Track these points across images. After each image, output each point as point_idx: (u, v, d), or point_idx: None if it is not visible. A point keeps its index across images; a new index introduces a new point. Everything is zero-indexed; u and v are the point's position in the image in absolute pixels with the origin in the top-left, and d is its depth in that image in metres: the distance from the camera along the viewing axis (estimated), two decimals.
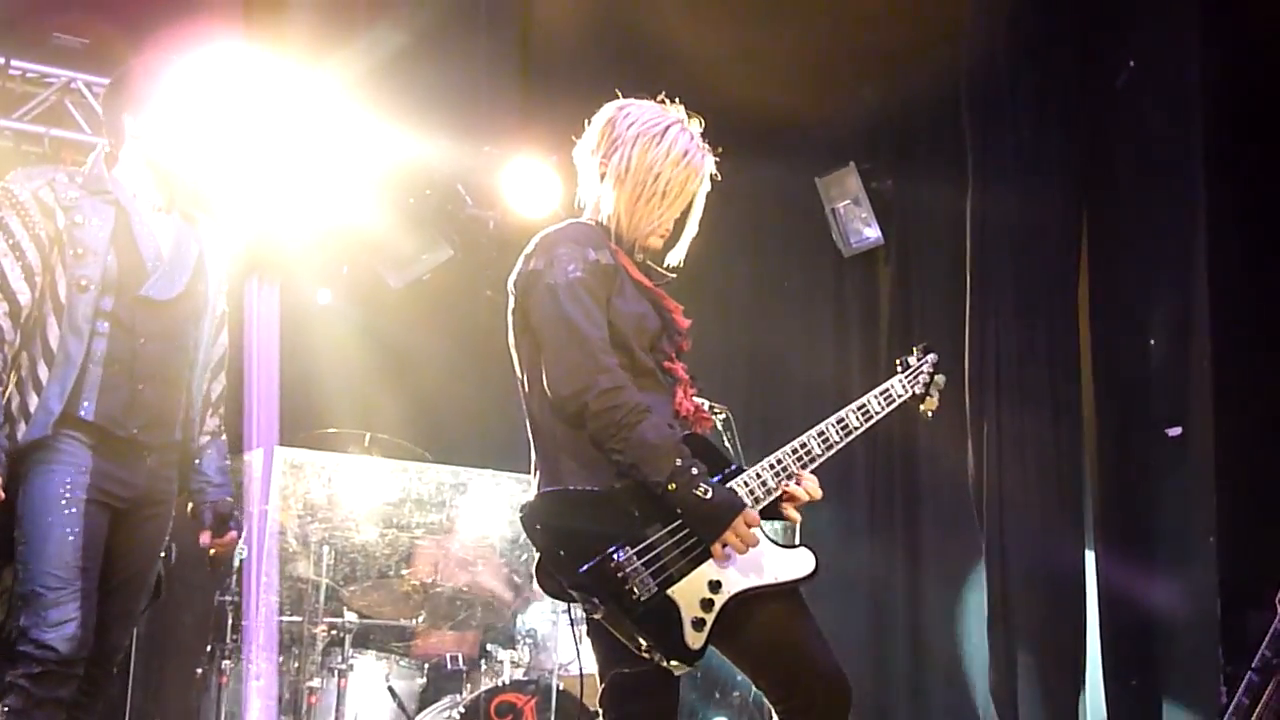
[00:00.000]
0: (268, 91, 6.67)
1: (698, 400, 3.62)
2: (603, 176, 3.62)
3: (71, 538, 3.87)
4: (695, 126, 3.69)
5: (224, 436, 4.47)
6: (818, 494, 3.63)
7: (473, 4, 7.77)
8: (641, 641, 3.23)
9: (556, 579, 3.28)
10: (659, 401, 3.48)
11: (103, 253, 4.01)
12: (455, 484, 7.69)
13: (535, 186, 7.93)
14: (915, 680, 7.89)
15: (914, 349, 4.04)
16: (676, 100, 3.76)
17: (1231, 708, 4.94)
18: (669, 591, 3.25)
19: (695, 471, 3.29)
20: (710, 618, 3.27)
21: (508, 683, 6.54)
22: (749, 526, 3.33)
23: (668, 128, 3.61)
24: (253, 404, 6.78)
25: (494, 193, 8.15)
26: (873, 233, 8.35)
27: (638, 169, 3.56)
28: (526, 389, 3.52)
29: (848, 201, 8.35)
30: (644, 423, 3.27)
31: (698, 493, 3.27)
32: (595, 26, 7.60)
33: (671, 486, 3.26)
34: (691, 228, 3.75)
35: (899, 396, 3.88)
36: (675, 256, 3.78)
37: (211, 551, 4.34)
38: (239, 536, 4.40)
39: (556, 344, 3.39)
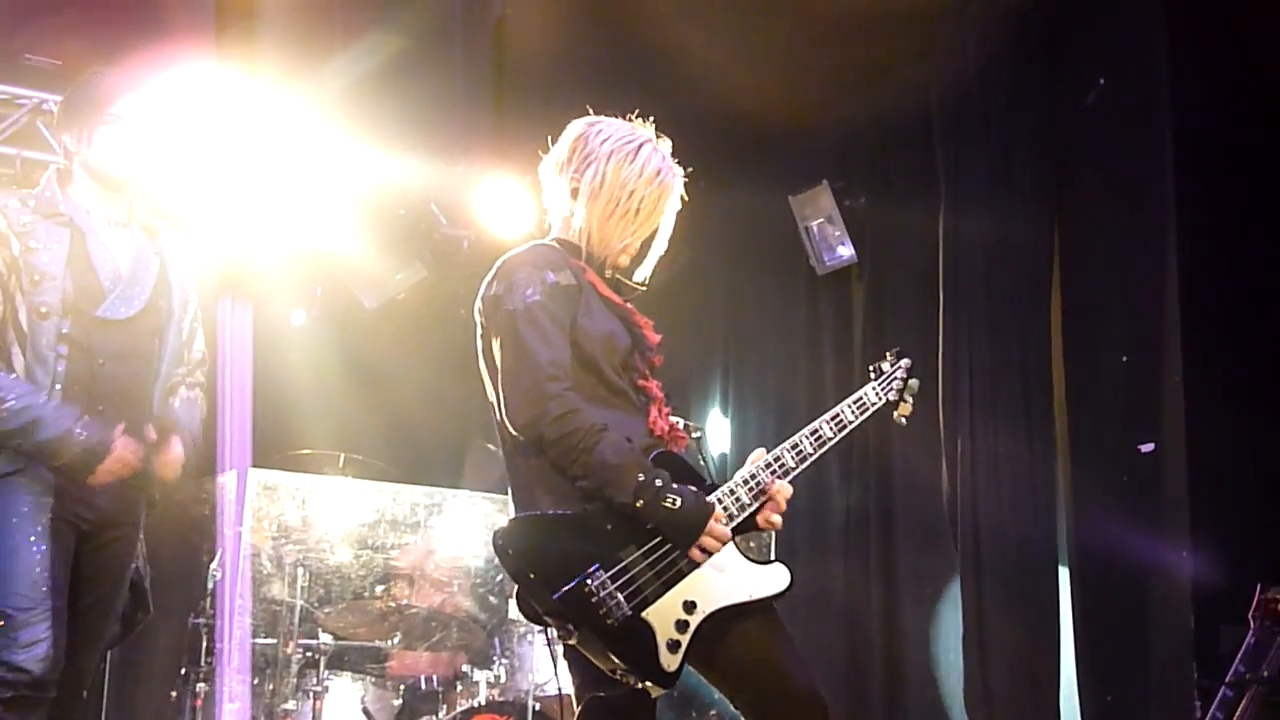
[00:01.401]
0: (241, 111, 6.67)
1: (673, 420, 3.62)
2: (574, 193, 3.62)
3: (39, 556, 3.83)
4: (665, 145, 3.70)
5: (201, 402, 4.41)
6: (786, 495, 3.60)
7: (446, 24, 7.77)
8: (617, 665, 3.21)
9: (531, 604, 3.27)
10: (630, 422, 3.48)
11: (60, 277, 3.97)
12: (430, 505, 7.68)
13: (509, 206, 7.92)
14: (890, 695, 7.89)
15: (887, 355, 4.04)
16: (649, 119, 3.77)
17: None
18: (643, 614, 3.24)
19: (660, 483, 3.29)
20: (685, 639, 3.26)
21: (484, 703, 6.52)
22: (718, 524, 3.36)
23: (640, 145, 3.62)
24: (225, 426, 6.75)
25: (468, 212, 8.14)
26: (846, 251, 8.36)
27: (612, 185, 3.56)
28: (496, 415, 3.52)
29: (821, 220, 8.37)
30: (601, 444, 3.27)
31: (667, 504, 3.27)
32: (569, 46, 7.61)
33: (639, 503, 3.26)
34: (660, 246, 3.75)
35: (873, 404, 3.87)
36: (642, 273, 3.77)
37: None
38: (181, 457, 4.24)
39: (510, 372, 3.39)
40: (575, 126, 3.71)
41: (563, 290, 3.44)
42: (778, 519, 3.58)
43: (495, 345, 3.47)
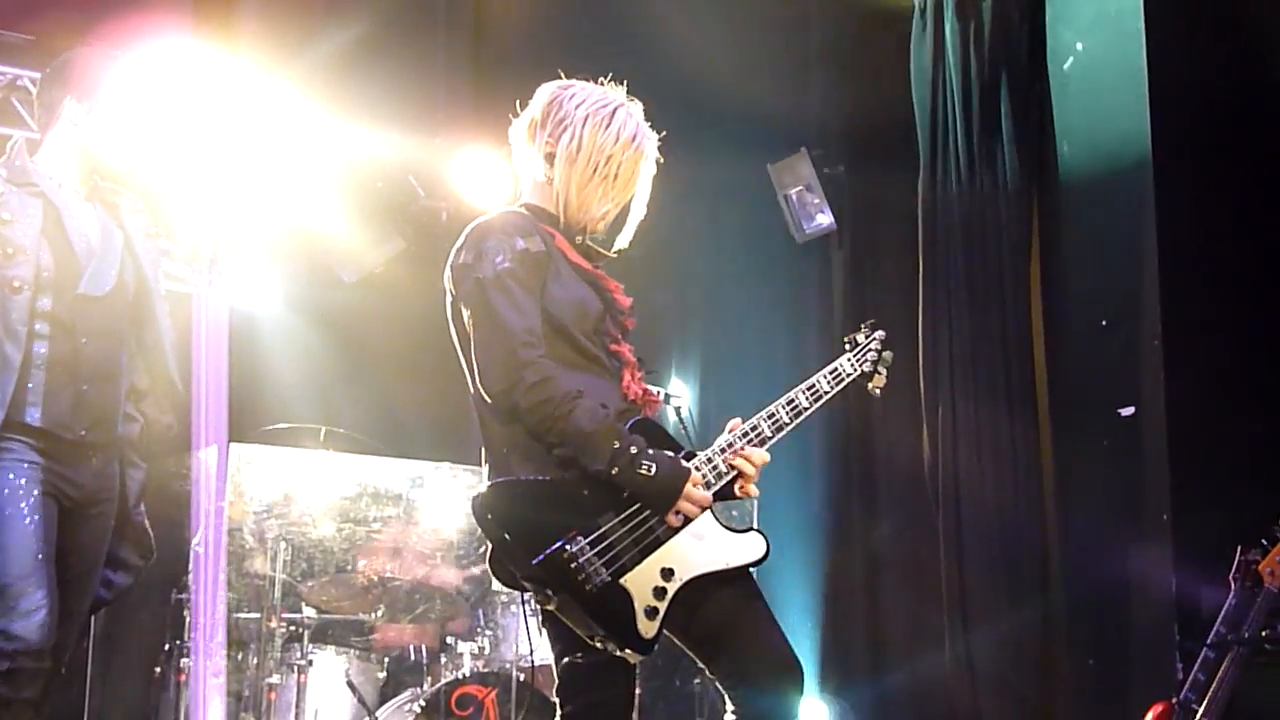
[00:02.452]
0: (217, 86, 6.62)
1: (647, 385, 3.60)
2: (549, 158, 3.58)
3: (32, 527, 3.78)
4: (637, 109, 3.67)
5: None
6: (758, 462, 3.58)
7: None
8: (595, 631, 3.22)
9: (509, 569, 3.28)
10: (604, 387, 3.46)
11: (34, 250, 3.89)
12: (412, 477, 7.67)
13: (487, 176, 7.89)
14: (873, 665, 7.91)
15: (862, 327, 4.04)
16: (622, 83, 3.75)
17: (1188, 684, 4.98)
18: (622, 580, 3.24)
19: (635, 450, 3.28)
20: (663, 605, 3.27)
21: (468, 675, 6.53)
22: (696, 488, 3.36)
23: (615, 109, 3.59)
24: (203, 401, 6.72)
25: (446, 183, 8.11)
26: (825, 219, 8.35)
27: (589, 150, 3.53)
28: (470, 384, 3.50)
29: (800, 188, 8.35)
30: (576, 411, 3.26)
31: (642, 471, 3.27)
32: (546, 16, 7.58)
33: (615, 470, 3.26)
34: (639, 210, 3.72)
35: (847, 375, 3.87)
36: (624, 239, 3.75)
37: None
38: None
39: (483, 341, 3.38)
40: (547, 89, 3.66)
41: (532, 257, 3.42)
42: (754, 488, 3.58)
43: (466, 314, 3.45)
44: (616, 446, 3.27)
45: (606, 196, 3.59)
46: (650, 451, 3.32)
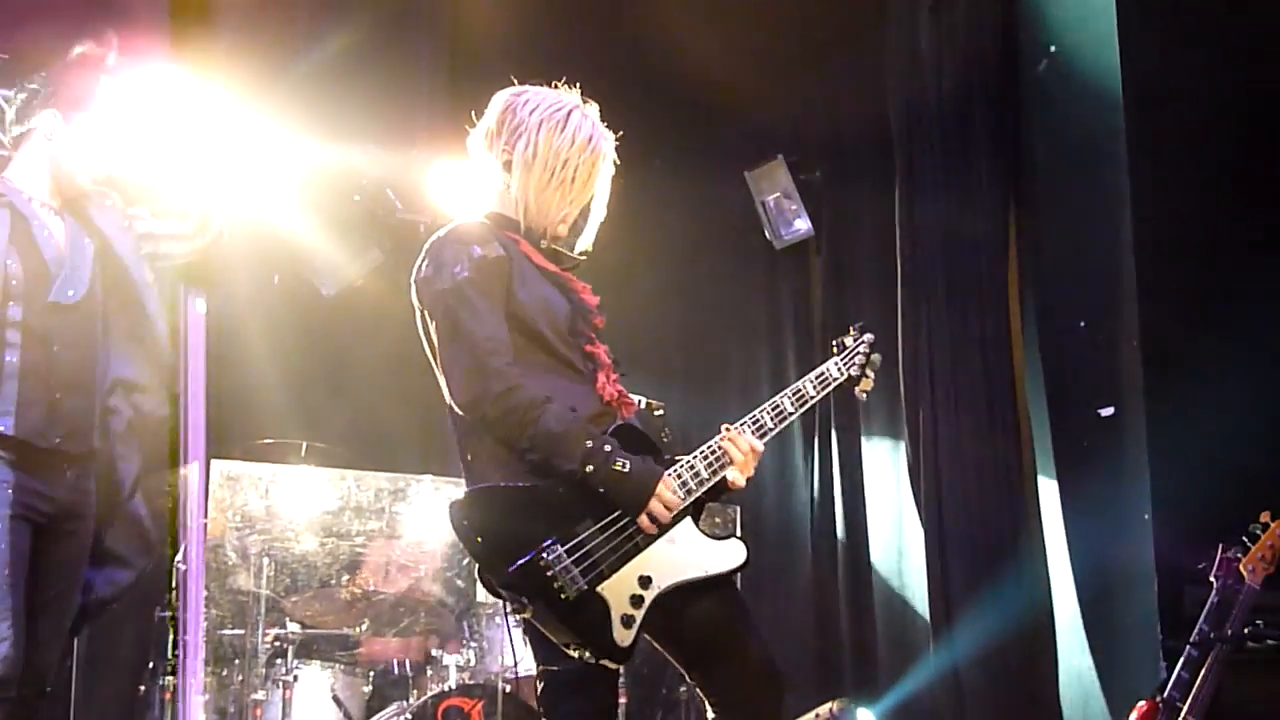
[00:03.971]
0: (193, 100, 6.61)
1: (621, 387, 3.59)
2: (506, 165, 3.59)
3: None
4: (593, 110, 3.67)
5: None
6: (745, 446, 3.56)
7: (400, 8, 7.73)
8: (571, 640, 3.22)
9: (486, 577, 3.27)
10: (578, 390, 3.46)
11: (0, 260, 3.89)
12: (394, 490, 7.66)
13: (465, 189, 7.88)
14: (857, 671, 7.91)
15: (850, 330, 4.04)
16: (601, 94, 3.75)
17: (1171, 682, 4.98)
18: (599, 589, 3.23)
19: (609, 448, 3.28)
20: (639, 614, 3.26)
21: (454, 687, 6.51)
22: (667, 491, 3.34)
23: (569, 112, 3.59)
24: (183, 416, 6.70)
25: (424, 196, 8.10)
26: (803, 224, 8.37)
27: (545, 155, 3.54)
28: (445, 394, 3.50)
29: (777, 194, 8.37)
30: (544, 416, 3.25)
31: (616, 468, 3.27)
32: (522, 27, 7.58)
33: (588, 468, 3.25)
34: (599, 211, 3.72)
35: (835, 379, 3.87)
36: (585, 241, 3.75)
37: None
38: None
39: (448, 353, 3.39)
40: (501, 97, 3.67)
41: (491, 263, 3.42)
42: (741, 480, 3.55)
43: (431, 327, 3.45)
44: (590, 445, 3.26)
45: (565, 199, 3.58)
46: (623, 451, 3.31)
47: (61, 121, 4.09)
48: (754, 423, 3.63)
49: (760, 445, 3.59)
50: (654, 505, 3.31)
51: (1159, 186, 6.34)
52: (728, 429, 3.59)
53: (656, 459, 3.44)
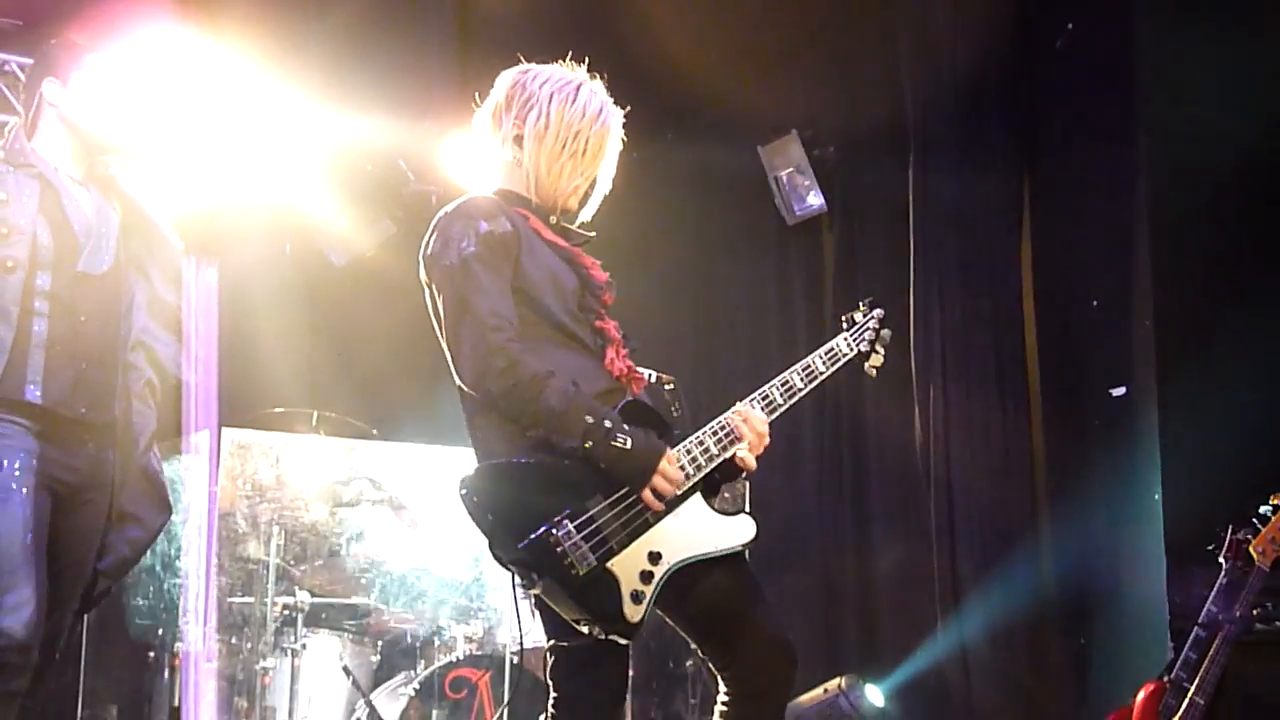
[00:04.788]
0: (205, 71, 6.60)
1: (631, 363, 3.58)
2: (518, 139, 3.58)
3: (22, 520, 3.77)
4: (599, 86, 3.66)
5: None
6: (758, 424, 3.56)
7: None
8: (580, 616, 3.21)
9: (496, 553, 3.27)
10: (586, 365, 3.45)
11: (30, 230, 3.89)
12: (404, 461, 7.66)
13: (477, 160, 7.85)
14: (865, 648, 7.92)
15: (859, 305, 4.01)
16: (614, 68, 3.74)
17: (1180, 663, 4.99)
18: (608, 564, 3.22)
19: (609, 424, 3.26)
20: (649, 590, 3.25)
21: (462, 658, 6.54)
22: (671, 466, 3.32)
23: (579, 87, 3.59)
24: (194, 385, 6.71)
25: (436, 168, 8.09)
26: (816, 200, 8.35)
27: (557, 127, 3.53)
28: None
29: (790, 169, 8.34)
30: (545, 391, 3.24)
31: (617, 444, 3.25)
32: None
33: (588, 444, 3.23)
34: (604, 185, 3.71)
35: (844, 355, 3.86)
36: (586, 214, 3.73)
37: None
38: None
39: (453, 329, 3.37)
40: (507, 75, 3.67)
41: (498, 238, 3.40)
42: (751, 460, 3.54)
43: (439, 302, 3.44)
44: (590, 421, 3.24)
45: (576, 171, 3.58)
46: (626, 426, 3.30)
47: (61, 88, 4.09)
48: (764, 399, 3.62)
49: (766, 423, 3.58)
50: (657, 481, 3.29)
51: (1174, 165, 6.32)
52: (739, 408, 3.58)
53: (665, 434, 3.43)
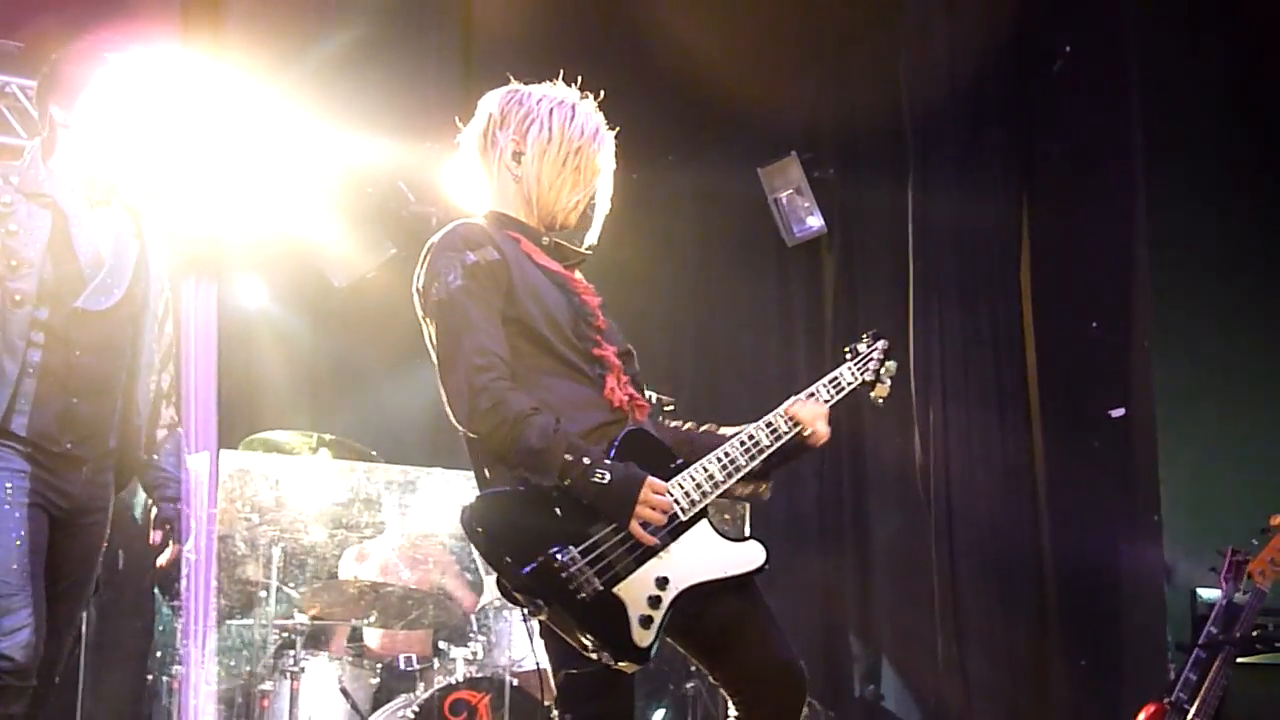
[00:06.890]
0: (206, 92, 6.62)
1: (632, 390, 3.54)
2: (516, 154, 3.53)
3: (19, 542, 3.74)
4: (593, 104, 3.64)
5: (181, 429, 4.37)
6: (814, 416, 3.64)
7: (414, 2, 7.73)
8: (588, 642, 3.17)
9: (500, 581, 3.24)
10: (586, 395, 3.42)
11: (38, 263, 3.86)
12: (404, 483, 7.65)
13: (461, 182, 7.87)
14: (866, 666, 7.92)
15: (864, 337, 4.00)
16: (615, 90, 3.74)
17: (1180, 684, 4.98)
18: (615, 590, 3.19)
19: (588, 460, 3.21)
20: (658, 615, 3.21)
21: (461, 680, 6.52)
22: (656, 494, 3.26)
23: (575, 104, 3.57)
24: (193, 406, 6.71)
25: (436, 189, 8.10)
26: (816, 221, 8.36)
27: (559, 140, 3.50)
28: None
29: (790, 191, 8.36)
30: (526, 430, 3.20)
31: (595, 480, 3.20)
32: (536, 22, 7.57)
33: (566, 482, 3.20)
34: (604, 205, 3.67)
35: (848, 384, 3.83)
36: (591, 237, 3.69)
37: (159, 561, 4.26)
38: (178, 549, 4.30)
39: (443, 368, 3.33)
40: (495, 95, 3.63)
41: (485, 268, 3.35)
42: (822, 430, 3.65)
43: (430, 336, 3.42)
44: (569, 459, 3.20)
45: (578, 187, 3.54)
46: (606, 461, 3.25)
47: (63, 112, 4.06)
48: (768, 428, 3.59)
49: (820, 410, 3.68)
50: (642, 510, 3.23)
51: (1174, 187, 6.34)
52: (748, 438, 3.56)
53: (666, 462, 3.40)
